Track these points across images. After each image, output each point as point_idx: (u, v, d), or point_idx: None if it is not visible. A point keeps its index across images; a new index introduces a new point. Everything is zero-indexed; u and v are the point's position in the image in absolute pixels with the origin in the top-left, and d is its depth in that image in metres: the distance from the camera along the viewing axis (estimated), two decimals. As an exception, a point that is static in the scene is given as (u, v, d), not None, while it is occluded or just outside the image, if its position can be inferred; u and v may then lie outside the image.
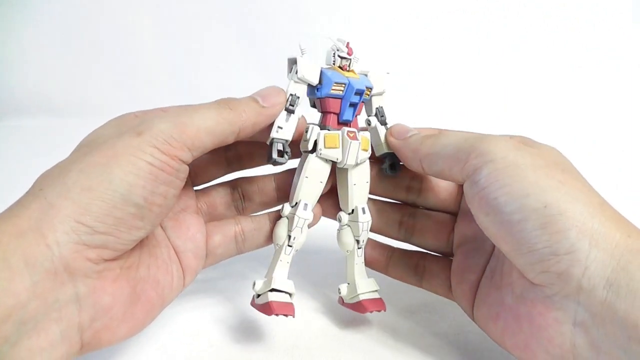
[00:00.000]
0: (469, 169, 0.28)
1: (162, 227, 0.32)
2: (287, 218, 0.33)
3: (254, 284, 0.32)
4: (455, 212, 0.36)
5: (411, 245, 0.38)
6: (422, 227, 0.37)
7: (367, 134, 0.34)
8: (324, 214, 0.36)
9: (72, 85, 1.12)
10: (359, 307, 0.34)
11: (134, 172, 0.25)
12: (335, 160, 0.33)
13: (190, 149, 0.27)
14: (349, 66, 0.33)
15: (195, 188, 0.35)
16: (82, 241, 0.23)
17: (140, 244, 0.28)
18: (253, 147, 0.35)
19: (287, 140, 0.32)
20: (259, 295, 0.32)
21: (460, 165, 0.29)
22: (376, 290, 0.35)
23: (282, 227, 0.33)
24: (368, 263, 0.36)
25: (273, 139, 0.31)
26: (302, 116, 0.32)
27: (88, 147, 0.26)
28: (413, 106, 0.77)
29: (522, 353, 0.27)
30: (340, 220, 0.35)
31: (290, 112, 0.31)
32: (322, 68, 0.32)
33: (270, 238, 0.34)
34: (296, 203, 0.33)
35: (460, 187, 0.35)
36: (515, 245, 0.26)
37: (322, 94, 0.32)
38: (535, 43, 1.01)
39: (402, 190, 0.37)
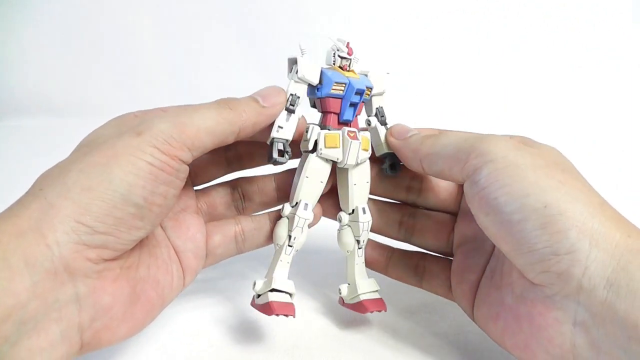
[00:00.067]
0: (469, 168, 0.28)
1: (162, 227, 0.32)
2: (288, 218, 0.33)
3: (254, 284, 0.32)
4: (455, 212, 0.36)
5: (411, 246, 0.38)
6: (422, 227, 0.37)
7: (367, 134, 0.34)
8: (324, 214, 0.36)
9: (72, 85, 1.12)
10: (359, 307, 0.34)
11: (134, 172, 0.25)
12: (335, 160, 0.33)
13: (190, 149, 0.27)
14: (349, 66, 0.33)
15: (195, 188, 0.35)
16: (82, 241, 0.23)
17: (140, 244, 0.28)
18: (253, 147, 0.35)
19: (287, 140, 0.32)
20: (259, 296, 0.32)
21: (460, 165, 0.29)
22: (377, 291, 0.35)
23: (282, 227, 0.33)
24: (368, 263, 0.36)
25: (273, 138, 0.31)
26: (302, 116, 0.32)
27: (88, 147, 0.26)
28: (413, 106, 0.77)
29: (522, 353, 0.27)
30: (340, 221, 0.35)
31: (290, 111, 0.31)
32: (322, 68, 0.32)
33: (270, 238, 0.34)
34: (296, 203, 0.33)
35: (460, 187, 0.35)
36: (515, 245, 0.26)
37: (323, 93, 0.32)
38: (535, 43, 1.01)
39: (402, 190, 0.37)
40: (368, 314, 0.34)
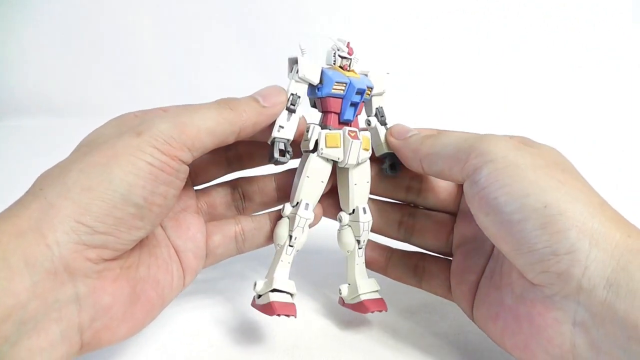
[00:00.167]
0: (469, 168, 0.28)
1: (162, 226, 0.32)
2: (288, 218, 0.33)
3: (255, 285, 0.32)
4: (455, 212, 0.36)
5: (410, 246, 0.38)
6: (421, 227, 0.37)
7: (367, 134, 0.34)
8: (324, 214, 0.36)
9: (72, 85, 1.12)
10: (360, 307, 0.34)
11: (133, 172, 0.25)
12: (336, 159, 0.33)
13: (190, 149, 0.27)
14: (349, 66, 0.33)
15: (195, 188, 0.35)
16: (82, 241, 0.23)
17: (140, 243, 0.28)
18: (253, 147, 0.35)
19: (288, 140, 0.32)
20: (259, 296, 0.32)
21: (460, 165, 0.29)
22: (377, 291, 0.35)
23: (283, 227, 0.33)
24: (367, 264, 0.36)
25: (274, 138, 0.31)
26: (303, 116, 0.32)
27: (88, 147, 0.26)
28: (413, 106, 0.77)
29: (522, 353, 0.27)
30: (341, 221, 0.35)
31: (291, 111, 0.31)
32: (322, 68, 0.32)
33: (270, 238, 0.34)
34: (297, 203, 0.33)
35: (460, 187, 0.35)
36: (515, 245, 0.26)
37: (323, 93, 0.32)
38: (535, 43, 1.01)
39: (402, 190, 0.37)
40: (368, 314, 0.34)
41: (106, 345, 0.26)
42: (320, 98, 0.33)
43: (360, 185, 0.34)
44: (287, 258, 0.33)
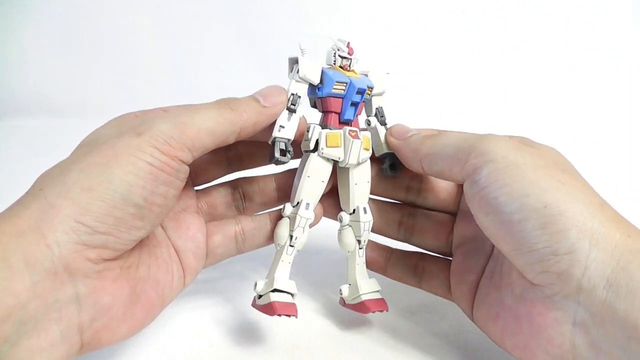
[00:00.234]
0: (469, 168, 0.28)
1: (162, 226, 0.32)
2: (289, 218, 0.33)
3: (256, 285, 0.32)
4: (455, 212, 0.36)
5: (410, 247, 0.38)
6: (421, 227, 0.37)
7: (367, 134, 0.34)
8: (325, 215, 0.36)
9: (72, 85, 1.12)
10: (361, 307, 0.34)
11: (133, 172, 0.25)
12: (337, 159, 0.33)
13: (191, 150, 0.27)
14: (349, 66, 0.33)
15: (195, 188, 0.35)
16: (82, 241, 0.23)
17: (141, 243, 0.28)
18: (254, 147, 0.35)
19: (289, 140, 0.32)
20: (260, 296, 0.32)
21: (460, 165, 0.29)
22: (378, 291, 0.35)
23: (283, 227, 0.33)
24: (366, 264, 0.36)
25: (275, 138, 0.31)
26: (303, 116, 0.32)
27: (88, 147, 0.26)
28: (413, 106, 0.77)
29: (522, 353, 0.27)
30: (341, 221, 0.35)
31: (292, 111, 0.31)
32: (323, 68, 0.32)
33: (270, 238, 0.34)
34: (298, 203, 0.33)
35: (460, 187, 0.35)
36: (515, 245, 0.26)
37: (324, 93, 0.32)
38: (535, 43, 1.01)
39: (402, 190, 0.37)
40: (368, 314, 0.34)
41: (106, 345, 0.26)
42: (320, 98, 0.33)
43: (360, 185, 0.34)
44: (287, 258, 0.33)
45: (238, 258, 0.36)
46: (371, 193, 0.36)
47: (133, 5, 1.10)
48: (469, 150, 0.28)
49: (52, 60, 1.12)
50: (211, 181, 0.36)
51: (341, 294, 0.35)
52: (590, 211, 0.24)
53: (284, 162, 0.32)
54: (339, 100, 0.33)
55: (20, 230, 0.22)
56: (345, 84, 0.32)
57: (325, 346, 0.33)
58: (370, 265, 0.37)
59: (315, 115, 0.34)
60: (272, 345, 0.33)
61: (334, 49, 0.33)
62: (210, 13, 1.08)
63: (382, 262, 0.37)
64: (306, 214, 0.32)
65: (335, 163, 0.33)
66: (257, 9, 1.06)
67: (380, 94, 0.36)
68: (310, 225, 0.33)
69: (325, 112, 0.33)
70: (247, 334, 0.34)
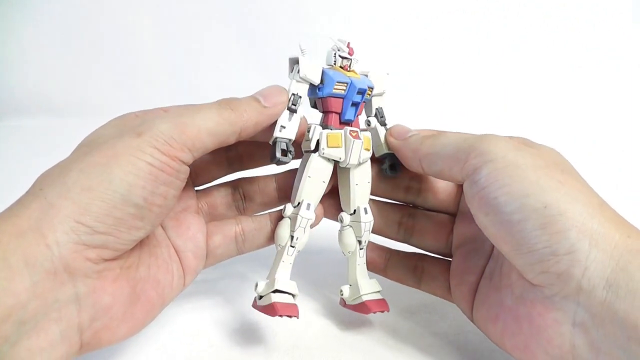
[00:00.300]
0: (469, 168, 0.28)
1: (162, 226, 0.32)
2: (290, 218, 0.33)
3: (256, 286, 0.32)
4: (454, 213, 0.36)
5: (409, 247, 0.38)
6: (421, 228, 0.37)
7: (368, 134, 0.34)
8: (325, 215, 0.36)
9: (72, 85, 1.12)
10: (362, 308, 0.34)
11: (133, 173, 0.25)
12: (338, 159, 0.33)
13: (191, 150, 0.27)
14: (349, 66, 0.33)
15: (196, 188, 0.35)
16: (82, 241, 0.23)
17: (141, 243, 0.28)
18: (254, 147, 0.35)
19: (290, 140, 0.32)
20: (261, 297, 0.32)
21: (460, 165, 0.29)
22: (379, 291, 0.35)
23: (284, 227, 0.33)
24: (366, 265, 0.36)
25: (276, 138, 0.31)
26: (303, 116, 0.32)
27: (88, 147, 0.26)
28: (413, 106, 0.77)
29: (522, 354, 0.27)
30: (342, 221, 0.35)
31: (292, 111, 0.31)
32: (323, 68, 0.32)
33: (270, 238, 0.34)
34: (299, 203, 0.33)
35: (460, 187, 0.35)
36: (515, 246, 0.26)
37: (324, 93, 0.32)
38: (535, 43, 1.01)
39: (401, 190, 0.37)
40: (368, 315, 0.34)
41: (106, 345, 0.26)
42: (321, 98, 0.33)
43: (361, 185, 0.34)
44: (288, 259, 0.33)
45: (238, 259, 0.36)
46: (370, 193, 0.36)
47: (133, 5, 1.10)
48: (468, 150, 0.28)
49: (52, 60, 1.12)
50: (211, 181, 0.36)
51: (342, 294, 0.35)
52: (589, 212, 0.24)
53: (285, 163, 0.32)
54: (339, 100, 0.33)
55: (20, 230, 0.22)
56: (346, 84, 0.32)
57: (326, 346, 0.33)
58: (369, 266, 0.37)
59: (315, 116, 0.34)
60: (272, 345, 0.33)
61: (334, 49, 0.33)
62: (210, 13, 1.08)
63: (381, 263, 0.37)
64: (307, 215, 0.32)
65: (335, 163, 0.33)
66: (257, 9, 1.06)
67: (380, 95, 0.36)
68: (311, 226, 0.33)
69: (325, 112, 0.33)
70: (247, 334, 0.34)
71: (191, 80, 1.10)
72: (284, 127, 0.31)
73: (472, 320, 0.32)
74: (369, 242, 0.37)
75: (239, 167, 0.37)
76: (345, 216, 0.35)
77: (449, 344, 0.34)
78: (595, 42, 1.00)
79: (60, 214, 0.23)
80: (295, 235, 0.32)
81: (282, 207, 0.34)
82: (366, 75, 0.34)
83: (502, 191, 0.26)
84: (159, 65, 1.12)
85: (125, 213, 0.25)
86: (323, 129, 0.33)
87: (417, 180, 0.37)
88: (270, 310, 0.30)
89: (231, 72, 1.08)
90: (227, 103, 0.29)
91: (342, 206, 0.35)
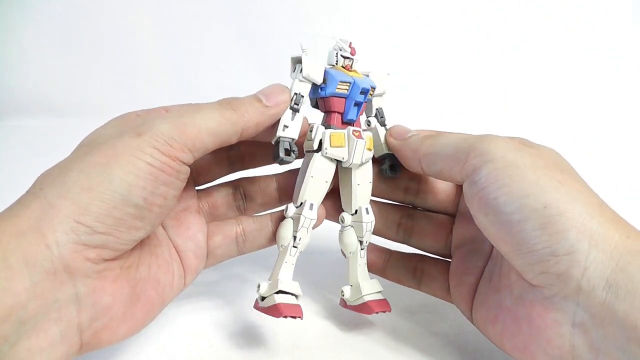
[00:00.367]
0: (469, 168, 0.28)
1: (163, 226, 0.32)
2: (292, 219, 0.33)
3: (259, 287, 0.31)
4: (454, 213, 0.36)
5: (409, 248, 0.38)
6: (420, 229, 0.37)
7: (370, 134, 0.34)
8: (325, 216, 0.36)
9: (72, 85, 1.12)
10: (364, 308, 0.33)
11: (133, 173, 0.25)
12: (340, 159, 0.33)
13: (191, 150, 0.27)
14: (351, 66, 0.33)
15: (197, 188, 0.35)
16: (82, 241, 0.23)
17: (141, 243, 0.28)
18: (255, 147, 0.35)
19: (293, 139, 0.32)
20: (263, 298, 0.31)
21: (459, 165, 0.29)
22: (380, 291, 0.35)
23: (286, 228, 0.33)
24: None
25: (280, 137, 0.31)
26: (305, 116, 0.32)
27: (88, 147, 0.26)
28: (413, 106, 0.77)
29: (521, 355, 0.27)
30: (343, 221, 0.35)
31: (295, 110, 0.31)
32: (325, 67, 0.32)
33: (271, 239, 0.34)
34: (301, 203, 0.33)
35: (459, 188, 0.35)
36: (514, 246, 0.26)
37: (327, 93, 0.32)
38: (535, 43, 1.01)
39: (400, 191, 0.37)
40: (368, 315, 0.34)
41: (106, 345, 0.26)
42: (323, 98, 0.33)
43: (363, 185, 0.34)
44: (291, 259, 0.33)
45: (238, 260, 0.36)
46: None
47: (133, 5, 1.10)
48: (468, 150, 0.28)
49: (52, 60, 1.12)
50: (212, 181, 0.36)
51: (342, 295, 0.35)
52: (589, 212, 0.24)
53: (288, 162, 0.32)
54: (342, 100, 0.33)
55: (20, 230, 0.22)
56: (348, 84, 0.32)
57: (326, 346, 0.33)
58: (369, 267, 0.37)
59: (316, 116, 0.34)
60: (272, 345, 0.33)
61: (336, 49, 0.33)
62: (210, 13, 1.08)
63: (380, 264, 0.37)
64: (310, 215, 0.32)
65: (338, 163, 0.33)
66: (257, 9, 1.06)
67: (380, 95, 0.36)
68: (314, 227, 0.33)
69: (327, 112, 0.33)
70: (247, 335, 0.34)
71: (191, 80, 1.10)
72: (287, 127, 0.31)
73: (471, 321, 0.32)
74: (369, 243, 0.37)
75: (240, 166, 0.36)
76: (347, 216, 0.35)
77: (449, 344, 0.34)
78: (595, 42, 1.00)
79: (60, 214, 0.23)
80: (298, 235, 0.32)
81: (283, 207, 0.34)
82: (367, 76, 0.34)
83: (502, 191, 0.26)
84: (159, 65, 1.12)
85: (125, 213, 0.25)
86: (325, 128, 0.33)
87: (417, 181, 0.37)
88: (274, 311, 0.30)
89: (231, 72, 1.08)
90: (228, 103, 0.29)
91: (343, 206, 0.35)
